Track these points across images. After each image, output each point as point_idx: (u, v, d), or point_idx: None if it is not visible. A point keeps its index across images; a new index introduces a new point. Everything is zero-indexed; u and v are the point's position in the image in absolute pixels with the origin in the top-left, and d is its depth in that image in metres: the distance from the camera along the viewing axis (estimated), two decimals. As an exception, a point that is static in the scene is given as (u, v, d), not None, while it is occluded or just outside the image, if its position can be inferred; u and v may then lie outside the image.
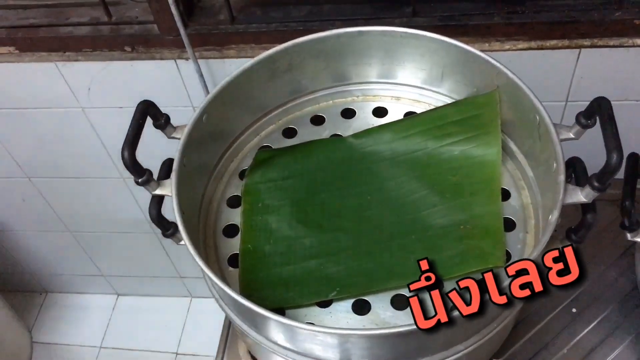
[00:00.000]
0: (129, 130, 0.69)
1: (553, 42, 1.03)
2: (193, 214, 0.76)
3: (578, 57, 1.04)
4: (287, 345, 0.67)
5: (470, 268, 0.70)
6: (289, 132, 0.87)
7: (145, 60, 1.15)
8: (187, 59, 1.12)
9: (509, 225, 0.75)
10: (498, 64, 0.75)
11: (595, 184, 0.63)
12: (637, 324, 0.86)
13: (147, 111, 0.72)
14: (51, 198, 1.55)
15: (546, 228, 0.62)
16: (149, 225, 1.40)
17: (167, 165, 0.74)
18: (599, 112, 0.65)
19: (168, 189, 0.70)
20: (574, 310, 0.88)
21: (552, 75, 1.08)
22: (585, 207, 0.66)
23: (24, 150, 1.40)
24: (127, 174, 1.41)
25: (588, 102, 1.08)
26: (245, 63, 0.78)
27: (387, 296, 0.71)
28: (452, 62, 0.80)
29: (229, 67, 1.12)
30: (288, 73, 0.83)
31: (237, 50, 1.10)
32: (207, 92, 1.14)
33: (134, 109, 1.21)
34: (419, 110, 0.86)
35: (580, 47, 1.02)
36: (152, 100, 1.19)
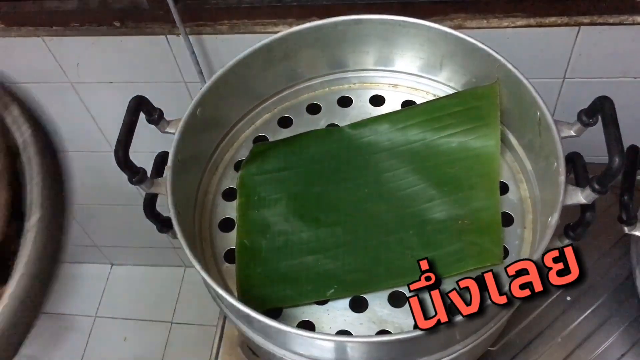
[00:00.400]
0: (121, 128, 0.67)
1: (552, 19, 1.01)
2: (188, 207, 0.76)
3: (577, 35, 1.02)
4: (284, 345, 0.67)
5: (468, 266, 0.70)
6: (285, 122, 0.85)
7: (135, 36, 1.12)
8: (178, 34, 1.09)
9: (507, 220, 0.74)
10: (499, 57, 0.73)
11: (596, 186, 0.62)
12: (630, 312, 0.86)
13: (140, 107, 0.70)
14: (42, 171, 1.53)
15: (546, 231, 0.62)
16: (141, 197, 1.38)
17: (160, 160, 0.73)
18: (601, 111, 0.64)
19: (163, 188, 0.69)
20: (568, 298, 0.88)
21: (550, 53, 1.06)
22: (584, 206, 0.66)
23: (13, 124, 1.38)
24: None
25: (585, 79, 1.08)
26: (240, 54, 0.76)
27: (385, 293, 0.71)
28: (451, 52, 0.78)
29: (221, 44, 1.09)
30: (284, 61, 0.81)
31: (230, 26, 1.07)
32: (199, 68, 1.12)
33: (124, 84, 1.21)
34: (416, 99, 0.85)
35: (579, 24, 1.00)
36: (142, 75, 1.18)
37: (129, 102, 0.70)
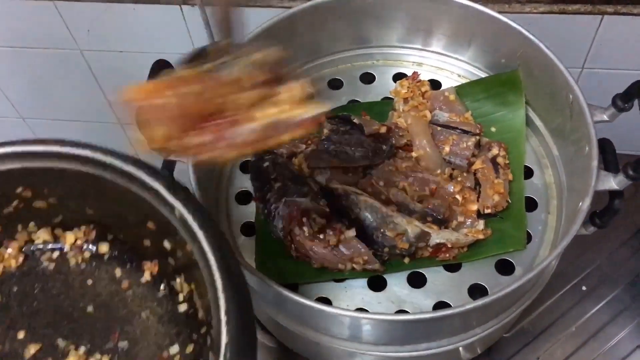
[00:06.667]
0: (143, 92, 0.65)
1: (575, 7, 0.99)
2: (206, 177, 0.74)
3: (600, 24, 1.01)
4: (299, 319, 0.66)
5: (490, 252, 0.69)
6: (306, 96, 0.83)
7: (148, 4, 1.10)
8: (193, 4, 1.07)
9: (531, 204, 0.73)
10: (532, 37, 0.72)
11: (631, 172, 0.61)
12: (646, 305, 0.86)
13: (163, 70, 0.67)
14: (45, 140, 1.51)
15: (577, 216, 0.60)
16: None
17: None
18: (638, 96, 0.63)
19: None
20: (584, 288, 0.87)
21: (570, 41, 1.04)
22: (613, 193, 0.65)
23: (19, 90, 1.35)
24: (124, 119, 1.36)
25: (604, 70, 1.07)
26: (264, 23, 0.74)
27: (404, 274, 0.69)
28: (481, 31, 0.77)
29: (237, 16, 1.07)
30: (308, 34, 0.79)
31: (247, -2, 1.05)
32: (213, 40, 1.09)
33: (133, 54, 1.18)
34: (441, 78, 0.83)
35: (603, 13, 0.99)
36: (153, 46, 1.16)
37: (152, 65, 0.68)
